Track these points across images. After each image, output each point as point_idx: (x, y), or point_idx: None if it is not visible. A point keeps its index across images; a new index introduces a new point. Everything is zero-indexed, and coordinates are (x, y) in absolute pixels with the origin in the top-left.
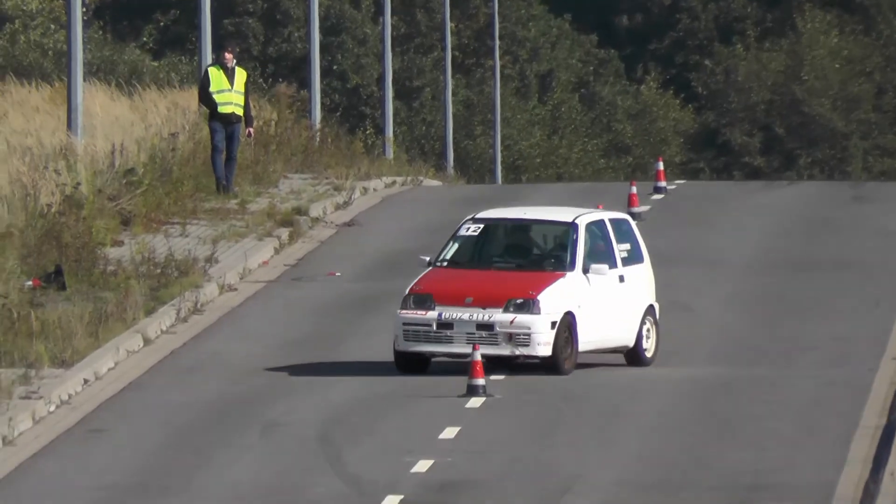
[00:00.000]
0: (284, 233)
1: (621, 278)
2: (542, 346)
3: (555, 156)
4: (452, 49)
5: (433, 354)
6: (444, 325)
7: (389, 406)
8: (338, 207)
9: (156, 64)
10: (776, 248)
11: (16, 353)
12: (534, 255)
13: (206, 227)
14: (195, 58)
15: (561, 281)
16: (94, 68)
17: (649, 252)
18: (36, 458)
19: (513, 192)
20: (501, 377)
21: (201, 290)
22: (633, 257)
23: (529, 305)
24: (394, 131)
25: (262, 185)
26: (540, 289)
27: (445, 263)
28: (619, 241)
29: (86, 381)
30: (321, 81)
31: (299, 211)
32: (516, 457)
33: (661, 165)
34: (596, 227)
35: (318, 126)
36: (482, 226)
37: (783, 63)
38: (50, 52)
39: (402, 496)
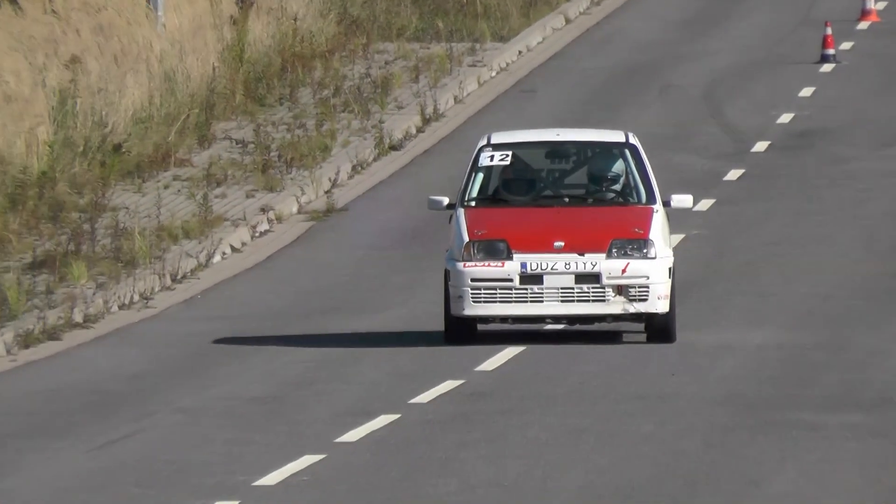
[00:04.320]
0: None
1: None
2: (662, 300)
3: None
4: None
5: (516, 319)
6: (531, 278)
7: (757, 69)
8: None
9: None
10: None
11: (464, 31)
12: (600, 186)
13: None
14: None
15: (656, 216)
16: None
17: None
18: (481, 113)
19: None
20: (849, 46)
21: None
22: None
23: (641, 247)
24: None
25: None
26: (646, 226)
27: (475, 203)
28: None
29: (520, 53)
30: None
31: None
32: (861, 110)
33: None
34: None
35: None
36: (508, 153)
37: None
38: None
39: (769, 142)
